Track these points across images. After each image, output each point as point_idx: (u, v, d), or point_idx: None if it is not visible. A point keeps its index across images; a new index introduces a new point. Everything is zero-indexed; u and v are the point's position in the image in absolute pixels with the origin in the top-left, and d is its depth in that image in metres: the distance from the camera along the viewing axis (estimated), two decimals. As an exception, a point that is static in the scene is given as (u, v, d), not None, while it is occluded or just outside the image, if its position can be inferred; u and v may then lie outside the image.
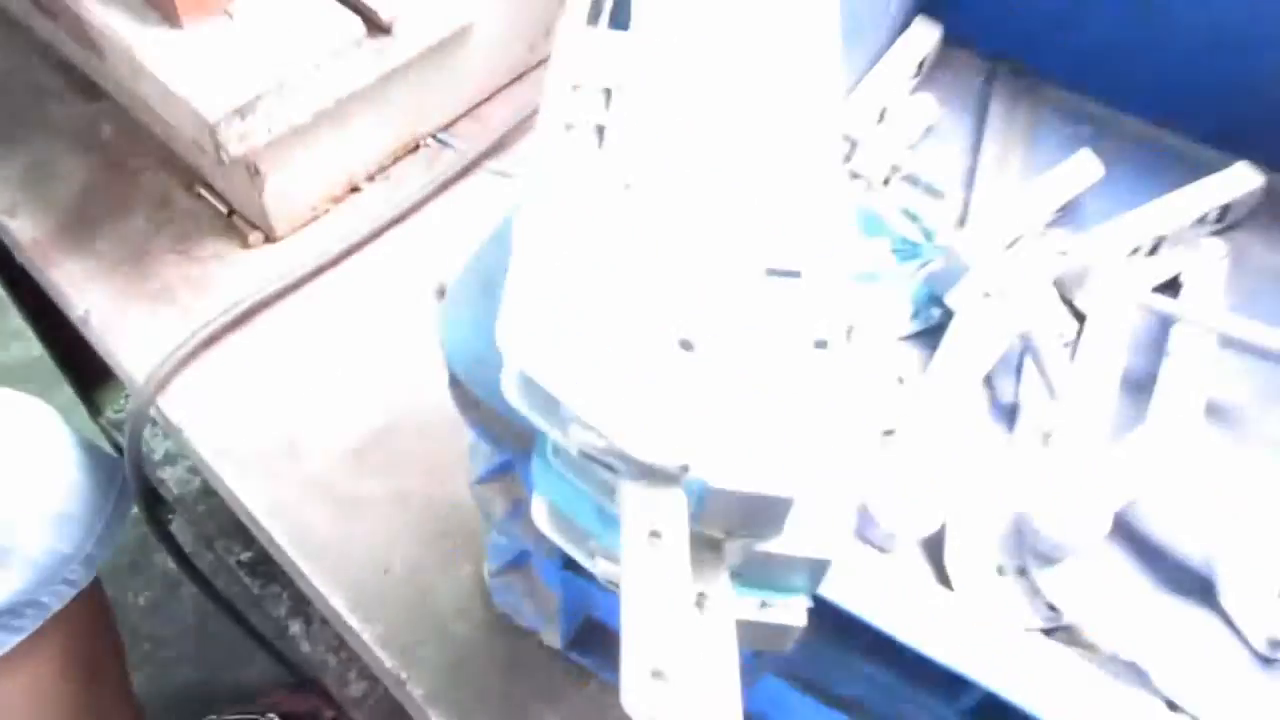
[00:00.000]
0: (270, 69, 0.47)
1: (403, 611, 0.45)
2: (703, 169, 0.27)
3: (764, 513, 0.22)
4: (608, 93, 0.28)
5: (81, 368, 1.04)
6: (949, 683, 0.27)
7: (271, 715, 0.90)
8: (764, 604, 0.25)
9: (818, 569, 0.24)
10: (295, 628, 0.82)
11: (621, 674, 0.20)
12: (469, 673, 0.44)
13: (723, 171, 0.27)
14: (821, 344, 0.25)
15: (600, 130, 0.27)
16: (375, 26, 0.51)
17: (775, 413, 0.23)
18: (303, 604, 0.84)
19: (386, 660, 0.44)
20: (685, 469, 0.22)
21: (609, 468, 0.23)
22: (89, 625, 0.68)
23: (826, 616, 0.28)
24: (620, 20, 0.30)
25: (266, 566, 0.88)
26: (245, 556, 0.89)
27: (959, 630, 0.27)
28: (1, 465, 0.57)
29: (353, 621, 0.45)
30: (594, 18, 0.30)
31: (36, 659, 0.63)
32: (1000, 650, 0.27)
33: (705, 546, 0.24)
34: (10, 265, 0.65)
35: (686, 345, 0.24)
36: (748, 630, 0.25)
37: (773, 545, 0.23)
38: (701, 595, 0.23)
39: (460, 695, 0.43)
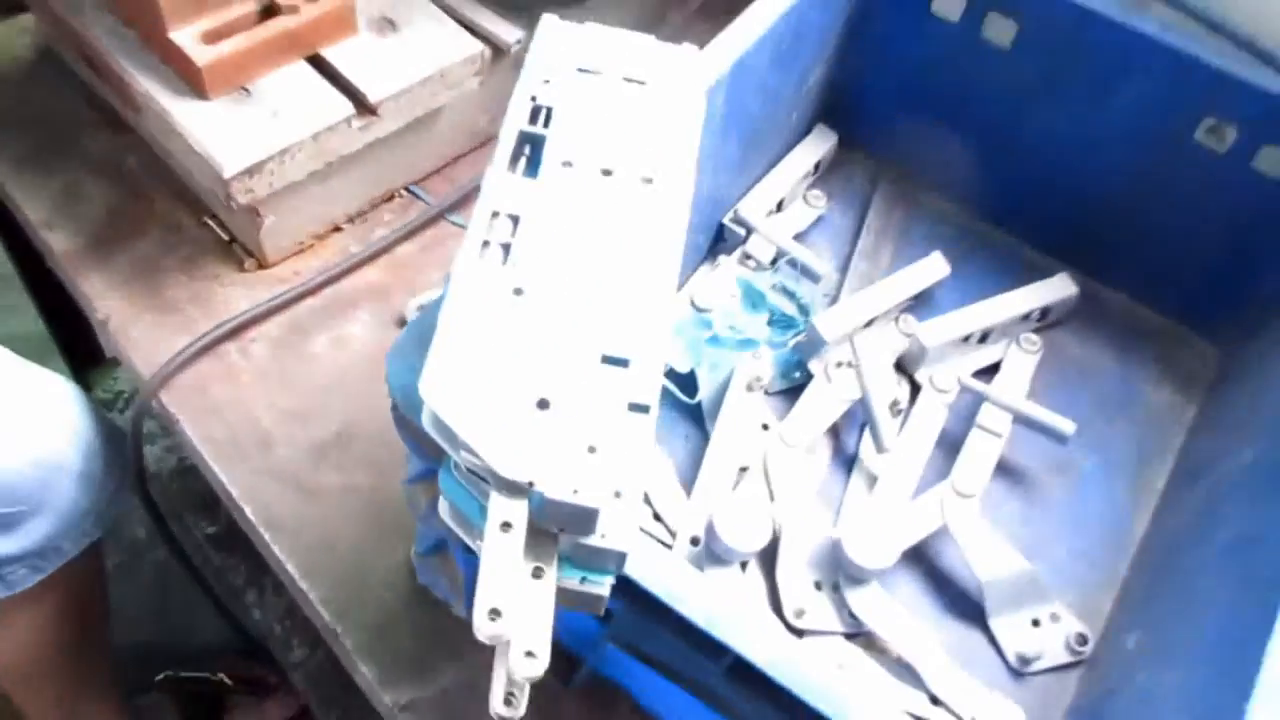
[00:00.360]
0: (276, 138, 0.59)
1: (343, 580, 0.57)
2: (571, 283, 0.39)
3: (580, 518, 0.34)
4: (515, 219, 0.40)
5: (75, 348, 1.14)
6: (713, 646, 0.39)
7: (222, 675, 1.01)
8: (584, 579, 0.37)
9: (620, 558, 0.36)
10: (250, 597, 0.93)
11: (473, 611, 0.32)
12: (393, 632, 0.56)
13: (585, 285, 0.39)
14: (640, 408, 0.37)
15: (506, 248, 0.39)
16: (364, 108, 0.63)
17: (596, 453, 0.35)
18: (258, 575, 0.95)
19: (326, 617, 0.55)
20: (531, 484, 0.34)
21: (484, 480, 0.35)
22: (90, 576, 0.79)
23: (636, 594, 0.40)
24: (533, 168, 0.42)
25: (229, 540, 0.99)
26: (211, 530, 1.00)
27: (715, 606, 0.39)
28: (40, 430, 0.68)
29: (303, 585, 0.57)
30: (513, 164, 0.42)
31: (48, 598, 0.74)
32: (742, 622, 0.39)
33: (545, 537, 0.36)
34: (20, 245, 0.75)
35: (543, 404, 0.36)
36: (571, 596, 0.37)
37: (589, 540, 0.36)
38: (539, 569, 0.35)
39: (384, 648, 0.55)
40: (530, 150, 0.43)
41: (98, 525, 0.73)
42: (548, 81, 0.45)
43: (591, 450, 0.35)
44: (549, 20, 0.48)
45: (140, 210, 0.69)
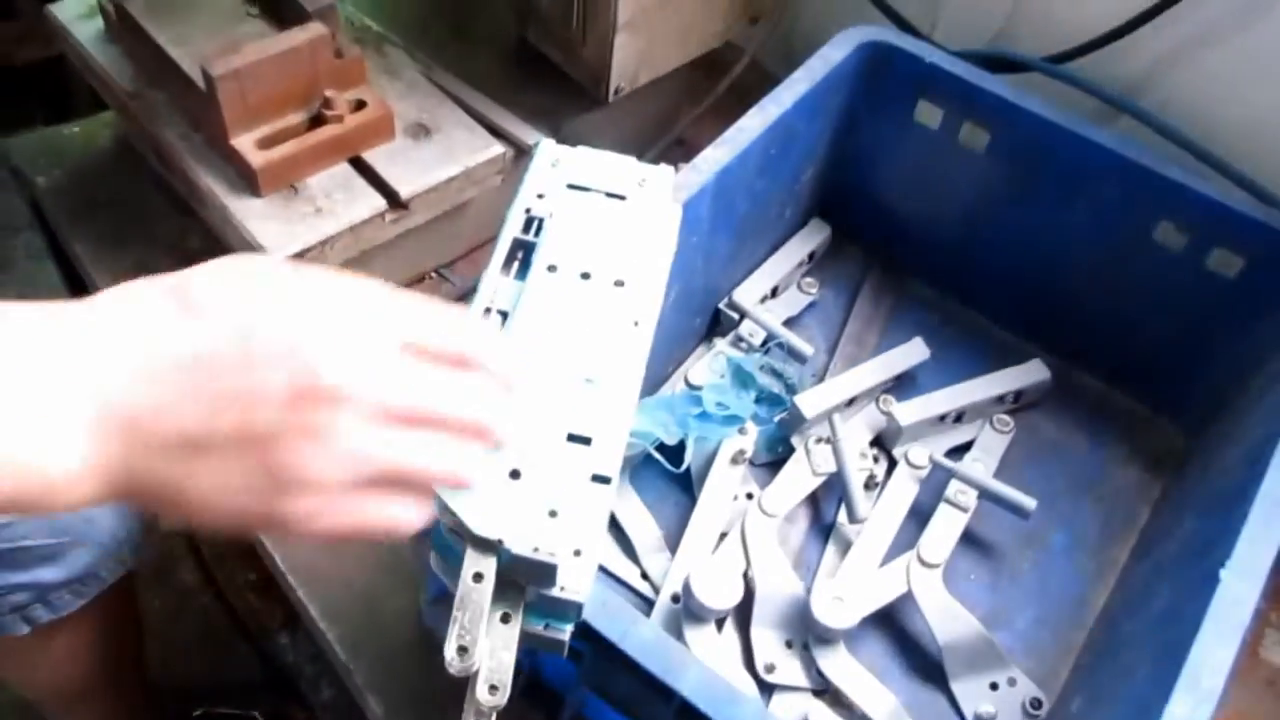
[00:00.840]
0: (318, 231, 0.67)
1: (358, 621, 0.63)
2: (547, 370, 0.46)
3: (541, 571, 0.41)
4: (504, 315, 0.48)
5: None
6: (664, 689, 0.45)
7: (256, 713, 1.08)
8: (547, 625, 0.43)
9: (578, 607, 0.43)
10: (284, 639, 1.00)
11: (445, 648, 0.39)
12: (401, 670, 0.62)
13: (559, 372, 0.46)
14: (602, 479, 0.43)
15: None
16: (397, 204, 0.71)
17: (557, 517, 0.42)
18: (291, 619, 1.03)
19: (341, 654, 0.62)
20: (499, 542, 0.40)
21: (461, 537, 0.42)
22: (125, 603, 0.87)
23: (597, 639, 0.46)
24: (524, 271, 0.50)
25: (266, 586, 1.06)
26: (250, 577, 1.07)
27: (663, 651, 0.45)
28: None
29: (322, 625, 0.63)
30: (506, 267, 0.50)
31: (86, 623, 0.81)
32: (688, 668, 0.45)
33: (514, 588, 0.42)
34: (62, 262, 0.84)
35: (515, 474, 0.42)
36: (536, 639, 0.43)
37: (550, 591, 0.42)
38: (506, 614, 0.42)
39: (393, 684, 0.62)
40: (523, 255, 0.51)
41: (133, 554, 0.81)
42: (541, 196, 0.53)
43: (553, 514, 0.42)
44: (546, 144, 0.56)
45: (200, 287, 0.78)
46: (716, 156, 0.65)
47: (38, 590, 0.72)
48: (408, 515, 0.39)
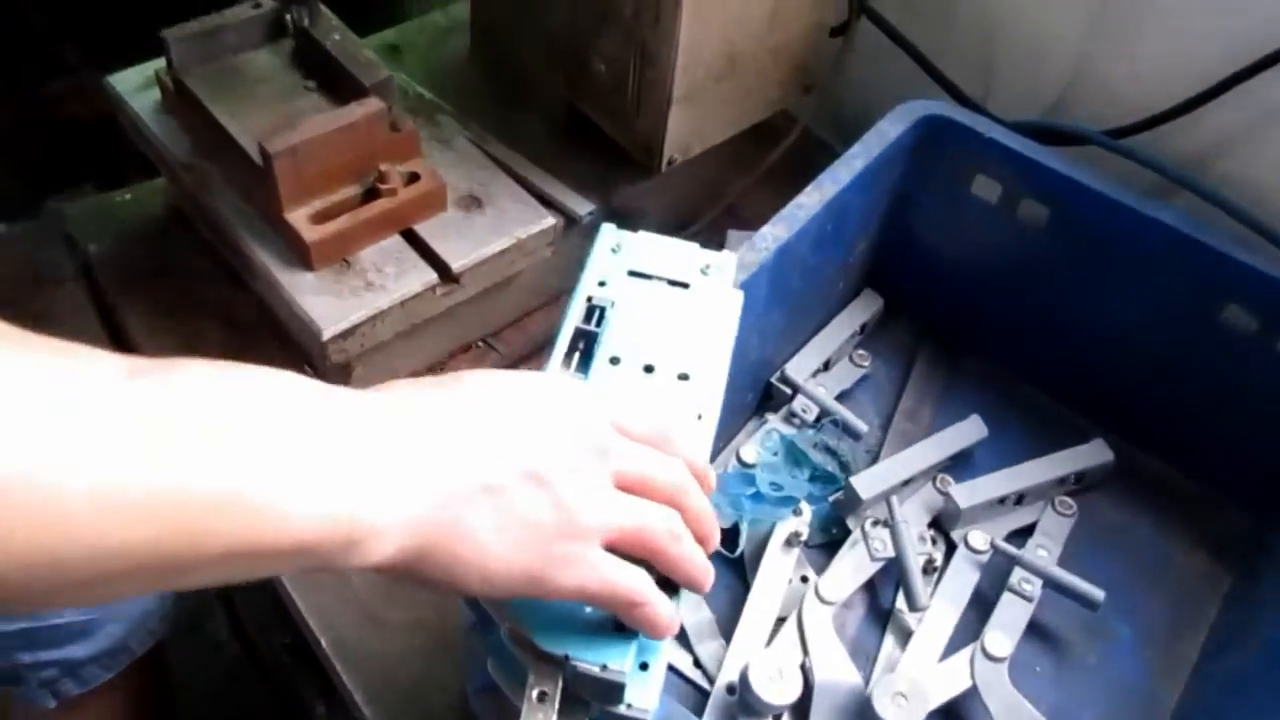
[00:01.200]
0: (369, 306, 0.67)
1: (402, 707, 0.62)
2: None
3: (607, 689, 0.39)
4: None
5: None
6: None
7: (286, 780, 1.06)
8: (610, 740, 0.42)
9: (643, 725, 0.41)
10: (320, 710, 0.98)
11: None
12: (446, 761, 0.61)
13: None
14: (672, 587, 0.42)
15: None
16: (448, 277, 0.70)
17: (624, 631, 0.40)
18: (328, 689, 1.01)
19: (384, 739, 0.60)
20: (565, 658, 0.39)
21: (523, 648, 0.40)
22: (156, 673, 0.86)
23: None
24: (586, 361, 0.49)
25: (304, 652, 1.05)
26: (286, 641, 1.06)
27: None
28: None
29: (366, 711, 0.62)
30: (568, 359, 0.49)
31: (118, 694, 0.80)
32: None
33: (578, 703, 0.40)
34: (112, 328, 0.84)
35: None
36: (599, 755, 0.42)
37: (617, 708, 0.40)
38: (570, 732, 0.40)
39: (436, 776, 0.60)
40: (584, 345, 0.50)
41: (163, 625, 0.80)
42: (603, 284, 0.52)
43: (619, 629, 0.40)
44: (607, 229, 0.55)
45: (251, 355, 0.77)
46: (775, 234, 0.64)
47: (67, 665, 0.71)
48: (661, 603, 0.40)
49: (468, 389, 0.41)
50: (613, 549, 0.40)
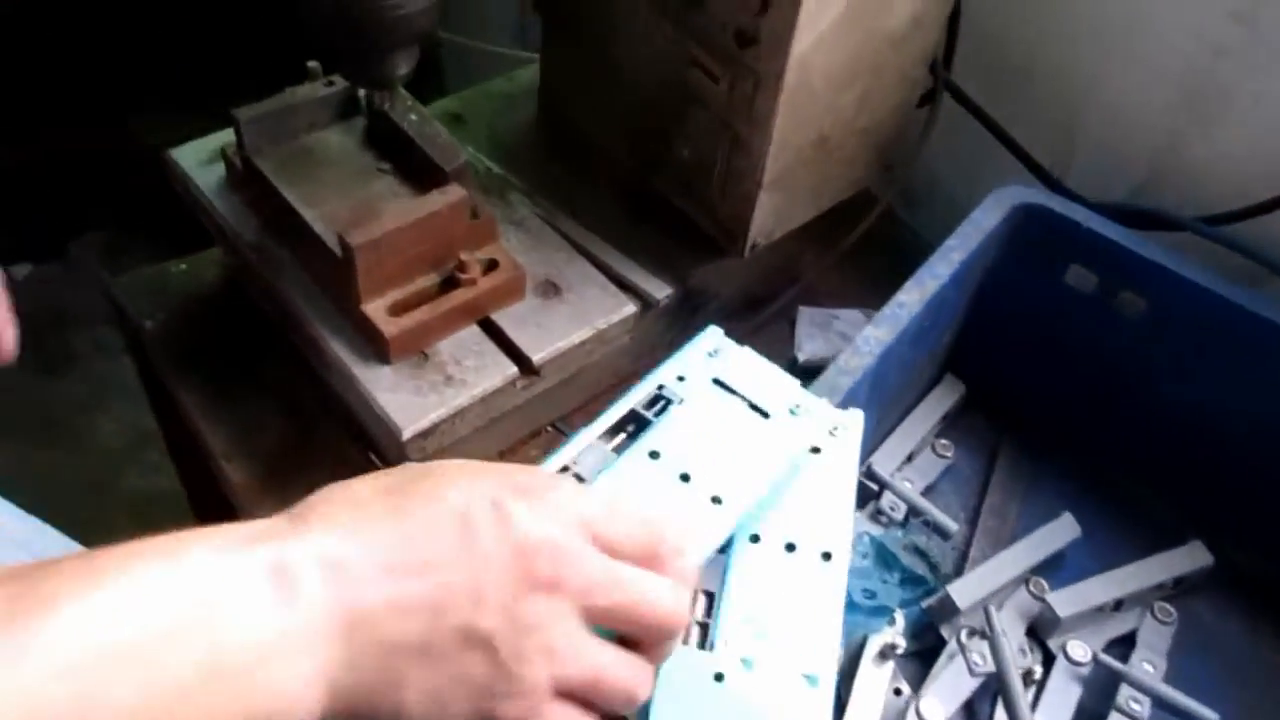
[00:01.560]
0: (449, 403, 0.64)
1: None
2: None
3: None
4: (580, 479, 0.45)
5: (207, 512, 1.20)
6: None
7: None
8: None
9: None
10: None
11: None
12: None
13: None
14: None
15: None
16: (528, 370, 0.67)
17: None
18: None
19: None
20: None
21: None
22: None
23: None
24: (629, 442, 0.46)
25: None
26: None
27: None
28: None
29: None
30: (610, 434, 0.46)
31: None
32: None
33: None
34: (162, 405, 0.80)
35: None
36: None
37: None
38: None
39: None
40: (633, 429, 0.47)
41: None
42: (682, 379, 0.49)
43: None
44: (713, 331, 0.53)
45: (314, 443, 0.75)
46: (878, 337, 0.62)
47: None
48: None
49: (415, 511, 0.37)
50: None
